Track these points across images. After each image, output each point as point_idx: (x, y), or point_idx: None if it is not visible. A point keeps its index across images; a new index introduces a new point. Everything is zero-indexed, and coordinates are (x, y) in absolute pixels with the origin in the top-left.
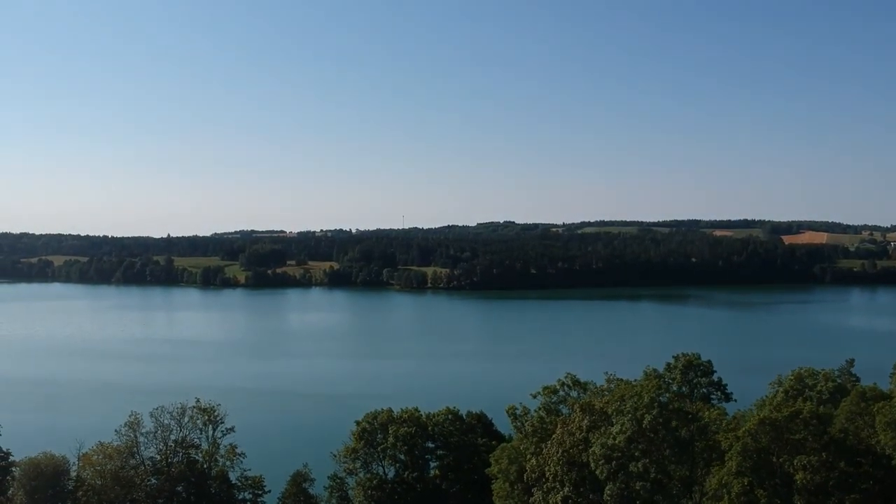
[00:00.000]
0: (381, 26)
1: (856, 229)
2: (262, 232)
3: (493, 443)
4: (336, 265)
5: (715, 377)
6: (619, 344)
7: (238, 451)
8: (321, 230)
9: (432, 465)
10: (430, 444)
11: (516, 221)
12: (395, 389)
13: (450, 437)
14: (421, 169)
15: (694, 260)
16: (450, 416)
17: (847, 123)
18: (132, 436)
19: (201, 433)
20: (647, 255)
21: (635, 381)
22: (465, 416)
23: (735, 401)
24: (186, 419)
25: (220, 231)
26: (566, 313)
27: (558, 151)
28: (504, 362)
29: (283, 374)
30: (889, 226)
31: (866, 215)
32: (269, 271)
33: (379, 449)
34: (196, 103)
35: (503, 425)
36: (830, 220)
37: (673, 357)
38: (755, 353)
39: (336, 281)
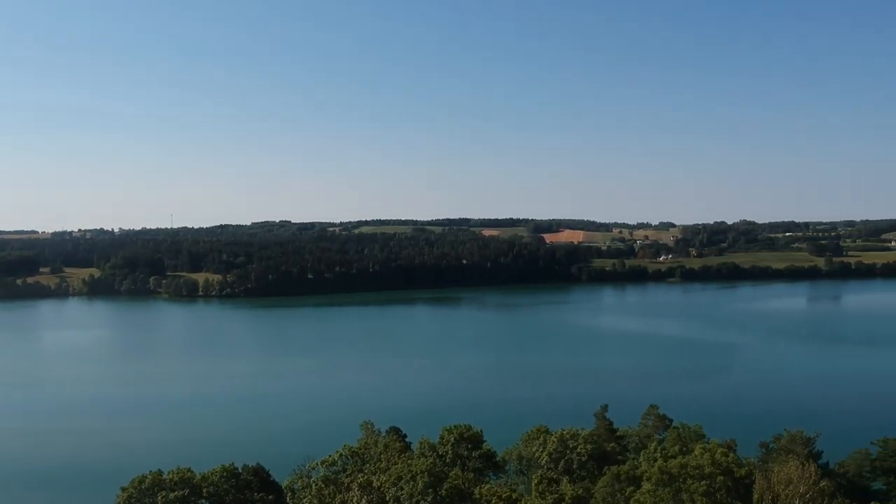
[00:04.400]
0: (142, 13)
1: (607, 227)
2: (10, 232)
3: (271, 497)
4: (97, 273)
5: (486, 446)
6: (392, 353)
7: None
8: (79, 230)
9: None
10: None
11: (293, 221)
12: (161, 420)
13: (225, 496)
14: (190, 163)
15: (465, 262)
16: (225, 474)
17: (603, 122)
18: None
19: None
20: (421, 258)
21: (411, 452)
22: (241, 471)
23: (507, 471)
24: None
25: None
26: (343, 321)
27: (334, 149)
28: (278, 382)
29: (35, 407)
30: (636, 223)
31: (616, 213)
32: (19, 281)
33: None
34: None
35: (281, 473)
36: (586, 219)
37: (445, 430)
38: (519, 360)
39: (97, 290)
